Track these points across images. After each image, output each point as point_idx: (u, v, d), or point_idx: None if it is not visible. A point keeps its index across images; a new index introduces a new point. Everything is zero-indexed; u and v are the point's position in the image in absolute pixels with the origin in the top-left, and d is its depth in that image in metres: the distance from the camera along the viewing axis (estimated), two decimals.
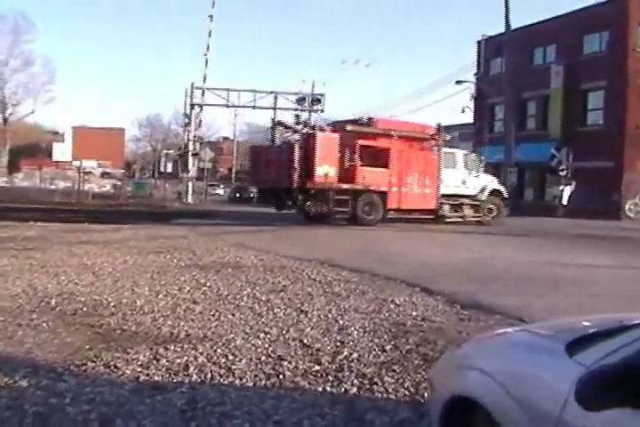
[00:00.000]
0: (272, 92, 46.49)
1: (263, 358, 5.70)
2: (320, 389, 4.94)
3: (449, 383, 3.13)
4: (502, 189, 29.18)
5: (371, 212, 24.37)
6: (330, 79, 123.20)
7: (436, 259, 13.94)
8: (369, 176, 24.15)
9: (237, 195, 53.35)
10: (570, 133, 39.00)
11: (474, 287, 10.05)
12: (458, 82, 45.37)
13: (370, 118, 26.03)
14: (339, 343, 6.28)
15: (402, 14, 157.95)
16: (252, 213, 31.25)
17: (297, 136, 25.34)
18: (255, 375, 5.20)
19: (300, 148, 23.42)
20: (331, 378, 5.18)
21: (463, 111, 48.67)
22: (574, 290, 10.21)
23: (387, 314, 7.81)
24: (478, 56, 48.42)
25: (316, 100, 46.97)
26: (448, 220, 26.44)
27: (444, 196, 26.25)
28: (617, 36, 37.75)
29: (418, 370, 5.45)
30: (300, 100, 46.79)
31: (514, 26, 38.15)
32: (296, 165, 22.96)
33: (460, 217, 26.95)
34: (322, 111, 49.37)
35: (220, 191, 66.72)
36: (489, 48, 45.44)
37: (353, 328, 6.93)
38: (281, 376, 5.19)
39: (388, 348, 6.18)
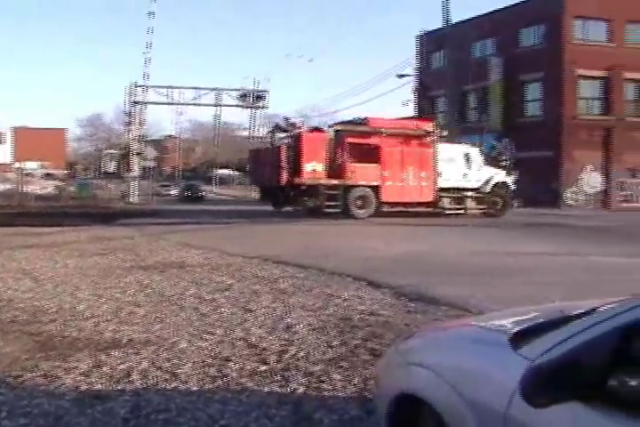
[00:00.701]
0: (215, 89, 46.24)
1: (209, 360, 5.58)
2: (267, 389, 4.84)
3: (395, 380, 3.09)
4: (509, 181, 29.66)
5: (363, 205, 25.57)
6: (273, 75, 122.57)
7: (387, 252, 13.98)
8: (359, 172, 25.43)
9: (188, 193, 52.07)
10: (510, 125, 39.54)
11: (421, 279, 10.05)
12: (399, 76, 45.59)
13: (364, 118, 27.40)
14: (285, 342, 6.20)
15: (344, 8, 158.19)
16: (200, 212, 30.98)
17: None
18: (200, 379, 5.07)
19: (289, 148, 25.31)
20: (278, 378, 5.09)
21: (406, 104, 48.97)
22: (520, 279, 10.33)
23: (333, 309, 7.76)
24: (419, 50, 48.74)
25: (260, 96, 46.86)
26: (448, 212, 27.24)
27: (444, 189, 27.16)
28: (553, 28, 38.42)
29: (366, 366, 5.39)
30: (243, 97, 46.66)
31: (453, 20, 38.54)
32: (284, 163, 24.80)
33: (462, 209, 27.74)
34: (265, 108, 49.21)
35: (175, 191, 64.25)
36: (429, 42, 45.77)
37: (299, 325, 6.86)
38: (227, 378, 5.08)
39: (335, 344, 6.12)
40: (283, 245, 15.71)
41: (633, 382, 2.04)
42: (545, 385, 1.96)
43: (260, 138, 72.18)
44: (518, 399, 2.06)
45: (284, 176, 24.86)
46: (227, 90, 46.69)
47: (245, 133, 75.76)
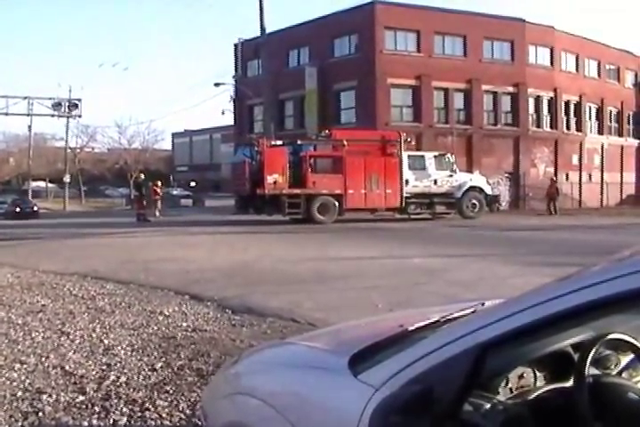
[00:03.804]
0: (26, 98, 44.12)
1: (19, 393, 5.07)
2: (85, 423, 4.46)
3: (221, 411, 2.82)
4: (484, 186, 31.11)
5: (325, 212, 27.43)
6: (88, 83, 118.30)
7: (218, 262, 13.77)
8: (321, 181, 27.55)
9: (17, 209, 45.00)
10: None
11: (245, 290, 9.93)
12: (216, 84, 45.30)
13: (329, 131, 29.76)
14: (105, 367, 5.82)
15: (159, 16, 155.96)
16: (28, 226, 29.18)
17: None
18: (10, 416, 4.58)
19: (255, 161, 27.66)
20: (97, 409, 4.71)
21: (223, 113, 48.80)
22: (344, 285, 10.46)
23: (155, 328, 7.45)
24: (236, 58, 48.71)
25: (73, 104, 45.37)
26: (414, 216, 29.28)
27: (413, 195, 29.07)
28: (365, 39, 39.62)
29: (192, 388, 5.15)
30: (57, 106, 45.00)
31: (270, 29, 38.73)
32: (247, 175, 27.37)
33: (430, 213, 29.74)
34: (79, 117, 47.54)
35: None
36: (246, 51, 45.85)
37: (120, 347, 6.50)
38: (40, 413, 4.62)
39: (158, 366, 5.82)
40: (105, 259, 14.87)
41: (487, 406, 1.95)
42: (397, 418, 1.82)
43: (76, 148, 69.87)
44: None
45: (248, 187, 27.23)
46: (39, 98, 44.79)
47: (60, 144, 72.88)
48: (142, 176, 36.60)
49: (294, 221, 27.61)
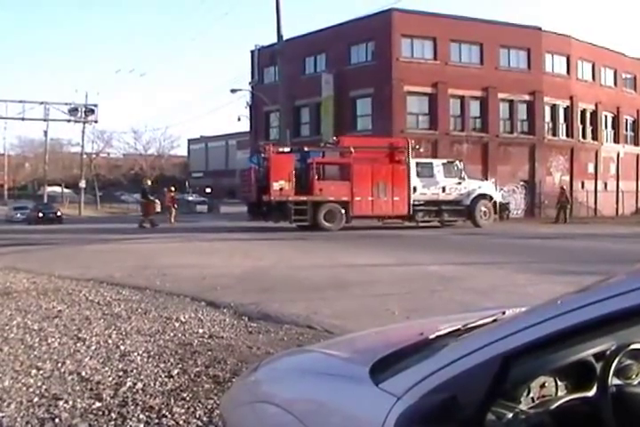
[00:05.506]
0: (42, 103, 44.40)
1: (36, 399, 5.06)
2: None
3: (241, 418, 2.80)
4: (493, 193, 31.13)
5: (331, 219, 27.32)
6: (104, 89, 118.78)
7: (231, 269, 13.73)
8: (327, 188, 27.59)
9: (41, 214, 45.50)
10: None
11: (261, 297, 9.91)
12: (232, 90, 45.44)
13: (337, 138, 30.26)
14: (121, 373, 5.80)
15: (176, 23, 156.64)
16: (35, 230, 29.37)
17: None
18: (27, 422, 4.56)
19: (261, 168, 27.74)
20: (114, 415, 4.69)
21: (239, 119, 48.91)
22: (359, 292, 10.43)
23: (172, 334, 7.44)
24: (252, 65, 48.88)
25: (89, 110, 45.60)
26: (422, 224, 29.20)
27: (421, 202, 29.02)
28: (382, 46, 39.69)
29: (209, 395, 5.13)
30: (73, 111, 45.24)
31: (287, 36, 38.85)
32: (253, 182, 27.55)
33: (438, 221, 29.67)
34: (95, 122, 47.81)
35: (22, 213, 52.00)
36: (263, 57, 45.98)
37: (136, 354, 6.48)
38: (57, 420, 4.61)
39: (175, 373, 5.80)
40: (121, 265, 14.76)
41: (510, 415, 1.94)
42: (425, 425, 1.81)
43: (92, 154, 70.38)
44: None
45: (254, 193, 27.37)
46: (55, 104, 45.00)
47: (76, 149, 73.37)
48: (149, 182, 36.56)
49: (302, 228, 27.57)
